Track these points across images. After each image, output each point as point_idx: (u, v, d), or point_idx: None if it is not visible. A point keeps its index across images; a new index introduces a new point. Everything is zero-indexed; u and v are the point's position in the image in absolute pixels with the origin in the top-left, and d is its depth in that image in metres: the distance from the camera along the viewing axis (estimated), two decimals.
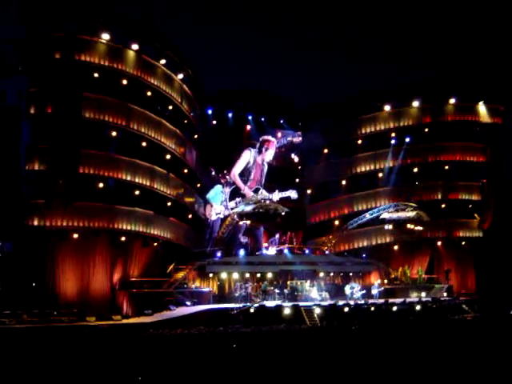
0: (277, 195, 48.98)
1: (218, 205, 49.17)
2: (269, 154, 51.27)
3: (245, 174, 50.15)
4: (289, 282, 43.65)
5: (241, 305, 36.80)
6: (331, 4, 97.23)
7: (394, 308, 39.05)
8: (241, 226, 48.25)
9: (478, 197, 52.65)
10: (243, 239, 48.80)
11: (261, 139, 51.45)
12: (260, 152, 50.71)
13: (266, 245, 48.56)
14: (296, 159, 55.47)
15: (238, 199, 48.41)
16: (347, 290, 43.39)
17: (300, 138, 54.45)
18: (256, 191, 49.39)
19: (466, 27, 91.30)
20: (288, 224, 50.47)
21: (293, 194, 50.46)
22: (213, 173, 50.44)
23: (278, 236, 49.55)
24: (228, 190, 49.49)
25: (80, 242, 37.47)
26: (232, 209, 47.99)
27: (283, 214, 45.17)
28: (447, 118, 52.69)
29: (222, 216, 48.88)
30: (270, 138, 51.62)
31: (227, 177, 49.56)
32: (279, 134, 53.52)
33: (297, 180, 53.89)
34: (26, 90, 37.14)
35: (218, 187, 49.67)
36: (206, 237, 48.62)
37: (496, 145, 52.76)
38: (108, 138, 39.67)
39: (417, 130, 52.84)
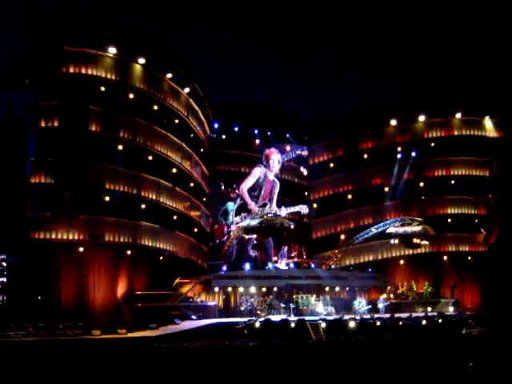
0: (284, 211, 47.87)
1: (229, 223, 48.84)
2: (272, 163, 50.28)
3: (255, 190, 49.54)
4: (294, 297, 43.43)
5: (246, 319, 36.71)
6: (336, 18, 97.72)
7: (400, 323, 38.88)
8: (250, 240, 48.02)
9: (484, 211, 52.57)
10: (252, 252, 48.59)
11: (264, 153, 51.01)
12: (266, 166, 50.19)
13: (275, 258, 48.38)
14: (305, 172, 55.38)
15: (243, 214, 48.10)
16: (356, 304, 43.30)
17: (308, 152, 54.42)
18: (263, 206, 48.87)
19: (472, 41, 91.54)
20: (294, 238, 50.41)
21: (303, 209, 47.68)
22: (222, 187, 50.43)
23: (286, 249, 49.40)
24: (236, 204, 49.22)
25: (85, 255, 37.45)
26: (237, 223, 47.77)
27: (292, 227, 44.93)
28: (453, 132, 52.68)
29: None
30: (271, 149, 51.07)
31: (237, 191, 49.22)
32: (288, 148, 53.34)
33: (306, 193, 53.54)
34: (33, 103, 37.32)
35: (230, 205, 49.21)
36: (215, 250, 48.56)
37: (502, 159, 52.66)
38: (114, 152, 39.80)
39: (423, 145, 52.86)
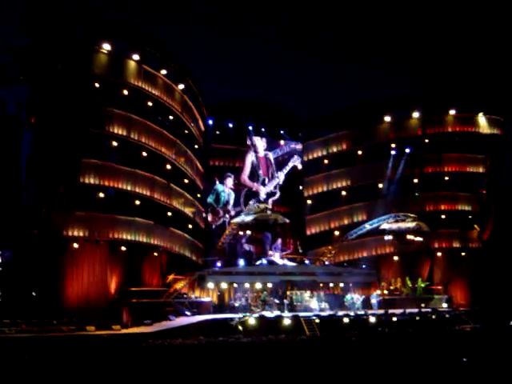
0: (282, 174, 50.27)
1: (221, 207, 49.72)
2: (257, 144, 53.25)
3: (255, 174, 51.39)
4: (288, 293, 43.59)
5: (240, 315, 36.79)
6: (332, 16, 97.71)
7: (394, 319, 38.98)
8: (244, 234, 48.46)
9: (477, 208, 52.66)
10: (247, 247, 48.94)
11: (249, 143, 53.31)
12: (255, 150, 52.19)
13: (271, 252, 48.62)
14: (299, 166, 55.58)
15: (251, 202, 49.65)
16: (348, 299, 43.42)
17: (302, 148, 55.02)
18: (263, 182, 50.59)
19: (466, 38, 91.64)
20: (287, 234, 50.67)
21: (296, 162, 53.76)
22: (217, 182, 50.73)
23: (280, 242, 49.70)
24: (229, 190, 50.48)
25: (80, 251, 37.43)
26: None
27: (287, 221, 45.63)
28: (447, 128, 52.75)
29: (227, 219, 49.27)
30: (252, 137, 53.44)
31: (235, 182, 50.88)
32: (282, 142, 53.92)
33: (300, 187, 54.04)
34: (27, 100, 37.20)
35: (219, 187, 50.16)
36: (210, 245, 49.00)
37: (496, 156, 52.79)
38: (109, 148, 39.76)
39: (417, 141, 52.97)
